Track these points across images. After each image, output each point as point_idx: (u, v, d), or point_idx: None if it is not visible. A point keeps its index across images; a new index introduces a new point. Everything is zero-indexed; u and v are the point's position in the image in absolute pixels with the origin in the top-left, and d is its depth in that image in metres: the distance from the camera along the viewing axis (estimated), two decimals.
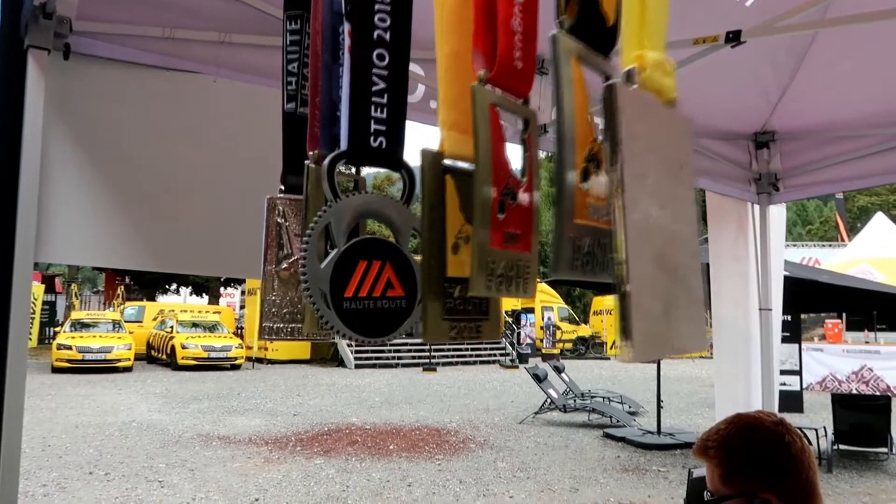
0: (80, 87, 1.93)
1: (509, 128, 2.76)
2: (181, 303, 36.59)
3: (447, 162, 0.83)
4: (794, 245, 26.90)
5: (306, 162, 0.96)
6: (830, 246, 28.10)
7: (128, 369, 20.62)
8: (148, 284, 36.01)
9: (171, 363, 21.86)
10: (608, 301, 32.61)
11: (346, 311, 0.81)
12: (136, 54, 1.99)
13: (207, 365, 21.49)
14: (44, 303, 28.61)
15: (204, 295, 38.44)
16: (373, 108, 0.85)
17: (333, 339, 0.98)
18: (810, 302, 11.36)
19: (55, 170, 1.86)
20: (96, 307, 34.35)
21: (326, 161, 0.86)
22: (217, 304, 35.39)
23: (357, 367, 22.74)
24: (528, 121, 0.88)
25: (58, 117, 1.89)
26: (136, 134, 2.05)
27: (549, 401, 12.31)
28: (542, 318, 29.76)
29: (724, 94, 3.35)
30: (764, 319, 3.87)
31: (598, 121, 0.82)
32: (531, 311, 29.78)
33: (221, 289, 38.28)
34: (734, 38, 2.21)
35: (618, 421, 11.52)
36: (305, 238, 0.80)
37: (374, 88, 0.85)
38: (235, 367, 22.24)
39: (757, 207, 3.94)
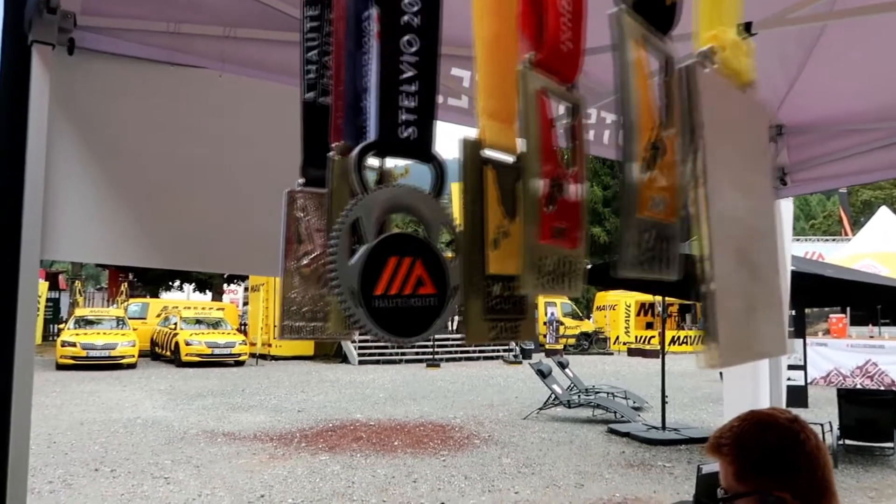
0: (84, 83, 1.91)
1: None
2: (184, 299, 36.66)
3: (486, 153, 0.79)
4: (798, 240, 26.82)
5: (330, 154, 0.92)
6: (834, 240, 28.03)
7: (132, 366, 20.66)
8: (151, 281, 36.06)
9: (175, 360, 21.90)
10: (611, 296, 32.61)
11: (377, 310, 0.78)
12: (141, 49, 1.97)
13: (211, 361, 21.52)
14: (47, 300, 28.66)
15: (207, 291, 38.49)
16: (402, 97, 0.82)
17: (354, 339, 0.95)
18: (815, 296, 11.31)
19: (61, 166, 1.85)
20: (100, 304, 34.41)
21: (355, 152, 0.82)
22: (220, 300, 35.42)
23: (360, 363, 22.76)
24: (575, 107, 0.85)
25: (63, 113, 1.87)
26: (142, 129, 2.03)
27: (553, 396, 12.30)
28: (546, 314, 29.75)
29: None
30: None
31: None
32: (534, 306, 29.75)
33: (225, 285, 38.32)
34: (745, 29, 2.18)
35: (622, 416, 11.51)
36: (334, 233, 0.76)
37: (403, 77, 0.82)
38: (239, 364, 22.27)
39: None
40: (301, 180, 1.18)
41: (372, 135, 0.82)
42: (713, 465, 3.40)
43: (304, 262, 1.13)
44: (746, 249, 0.77)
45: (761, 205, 0.82)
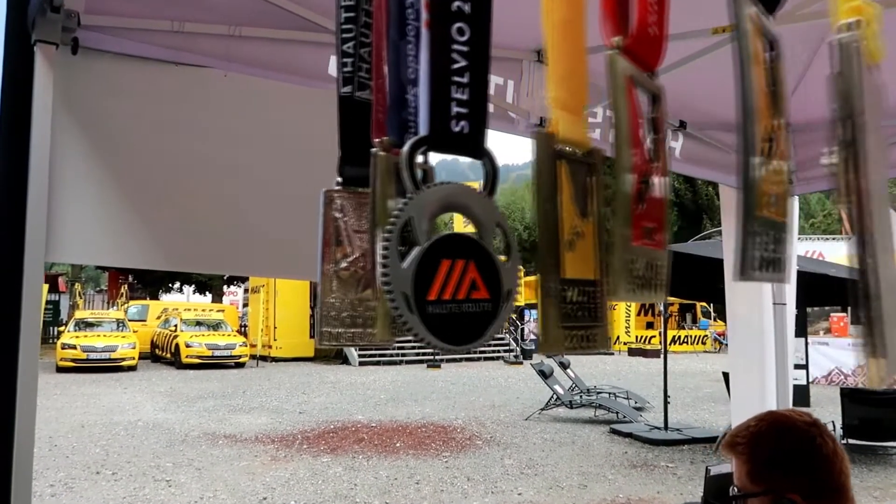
0: (88, 83, 1.89)
1: (522, 120, 2.68)
2: (184, 301, 36.64)
3: (561, 146, 0.75)
4: (798, 239, 26.74)
5: (373, 150, 0.88)
6: (834, 239, 28.01)
7: (132, 368, 20.63)
8: (151, 283, 36.05)
9: (176, 362, 21.87)
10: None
11: (430, 316, 0.74)
12: (146, 48, 1.95)
13: (212, 363, 21.50)
14: (47, 302, 28.63)
15: (207, 293, 38.50)
16: (453, 88, 0.77)
17: (392, 345, 0.91)
18: (816, 295, 11.29)
19: (64, 167, 1.82)
20: (100, 306, 34.39)
21: (406, 147, 0.77)
22: (220, 302, 35.41)
23: (361, 364, 22.74)
24: (657, 97, 0.80)
25: (66, 113, 1.85)
26: (146, 129, 2.00)
27: (555, 397, 12.27)
28: None
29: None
30: (778, 314, 3.83)
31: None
32: (534, 306, 29.62)
33: (225, 287, 38.31)
34: None
35: (624, 417, 11.49)
36: (385, 235, 0.72)
37: (455, 67, 0.77)
38: (240, 366, 22.25)
39: None
40: (338, 179, 1.13)
41: (422, 129, 0.77)
42: (721, 467, 3.38)
43: (343, 265, 1.08)
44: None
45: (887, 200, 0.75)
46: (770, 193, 0.73)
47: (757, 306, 3.87)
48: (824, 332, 20.10)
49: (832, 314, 20.13)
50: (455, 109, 0.78)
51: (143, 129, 2.00)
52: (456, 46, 0.78)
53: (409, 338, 0.78)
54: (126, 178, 1.97)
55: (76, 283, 36.07)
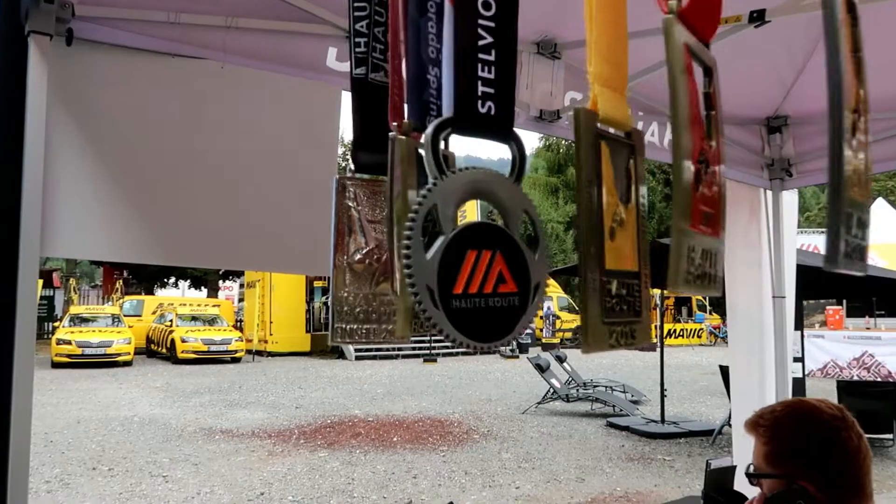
0: (83, 74, 1.85)
1: (522, 113, 2.63)
2: (180, 296, 36.53)
3: (602, 126, 0.71)
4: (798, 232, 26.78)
5: (391, 134, 0.83)
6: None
7: (128, 363, 20.58)
8: (146, 278, 35.94)
9: (171, 357, 21.82)
10: None
11: (456, 312, 0.68)
12: (141, 40, 1.91)
13: (207, 358, 21.46)
14: (42, 298, 28.51)
15: (202, 288, 38.38)
16: (480, 66, 0.71)
17: (405, 342, 0.87)
18: (812, 288, 11.30)
19: (59, 161, 1.79)
20: (95, 302, 34.25)
21: (430, 129, 0.71)
22: (216, 297, 35.31)
23: (357, 358, 22.71)
24: (710, 69, 0.74)
25: (61, 106, 1.82)
26: (142, 122, 1.97)
27: (551, 390, 12.28)
28: (542, 308, 29.70)
29: (739, 77, 3.28)
30: (777, 307, 3.82)
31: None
32: None
33: (220, 282, 38.21)
34: (758, 17, 2.14)
35: (621, 410, 11.50)
36: (408, 224, 0.66)
37: (482, 44, 0.71)
38: (236, 360, 22.21)
39: (770, 193, 3.87)
40: (351, 166, 1.09)
41: (446, 110, 0.72)
42: (722, 461, 3.36)
43: (357, 257, 1.03)
44: None
45: None
46: (857, 173, 0.69)
47: (757, 299, 3.86)
48: (820, 325, 20.15)
49: (828, 307, 20.18)
50: (481, 89, 0.73)
51: (139, 122, 1.97)
52: (482, 22, 0.73)
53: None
54: (122, 172, 1.94)
55: (71, 279, 35.92)
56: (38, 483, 7.31)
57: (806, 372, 14.14)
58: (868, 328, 19.19)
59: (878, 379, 15.30)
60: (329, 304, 1.02)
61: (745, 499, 2.14)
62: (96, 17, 1.86)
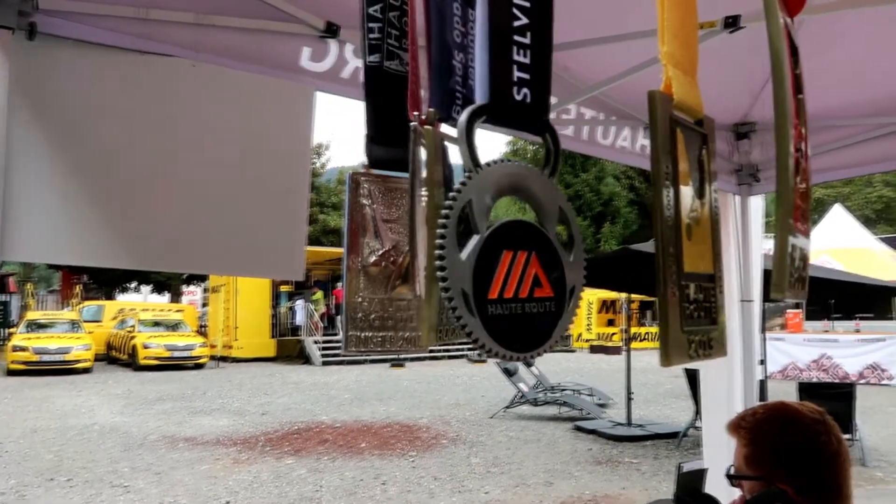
0: (46, 71, 1.77)
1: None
2: (142, 301, 35.80)
3: (678, 114, 0.66)
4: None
5: (413, 125, 0.76)
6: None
7: (87, 370, 20.07)
8: (107, 282, 35.16)
9: (133, 363, 21.33)
10: None
11: (492, 318, 0.60)
12: (109, 36, 1.83)
13: (170, 364, 21.03)
14: None
15: (165, 293, 37.69)
16: (515, 49, 0.65)
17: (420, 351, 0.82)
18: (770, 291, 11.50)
19: (21, 160, 1.71)
20: (52, 307, 33.35)
21: (464, 117, 0.63)
22: (179, 301, 34.68)
23: (324, 363, 22.50)
24: (797, 50, 0.70)
25: (22, 103, 1.74)
26: (109, 121, 1.89)
27: (519, 394, 12.30)
28: None
29: (710, 83, 3.31)
30: (745, 311, 3.87)
31: None
32: None
33: (183, 286, 37.55)
34: (733, 23, 2.16)
35: (588, 413, 11.58)
36: (442, 221, 0.58)
37: (517, 25, 0.64)
38: (199, 367, 21.81)
39: (738, 198, 3.93)
40: (365, 161, 1.00)
41: (479, 97, 0.65)
42: (693, 464, 3.38)
43: (372, 259, 0.96)
44: None
45: None
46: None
47: (726, 303, 3.90)
48: (780, 327, 20.58)
49: (787, 310, 20.62)
50: (516, 74, 0.66)
51: (106, 121, 1.90)
52: (517, 1, 0.67)
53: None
54: (85, 172, 1.87)
55: (27, 283, 34.94)
56: None
57: (767, 374, 14.42)
58: (826, 331, 19.66)
59: (836, 380, 15.68)
60: (343, 310, 0.93)
61: (717, 502, 2.15)
62: (61, 11, 1.78)
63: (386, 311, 0.97)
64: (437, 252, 0.60)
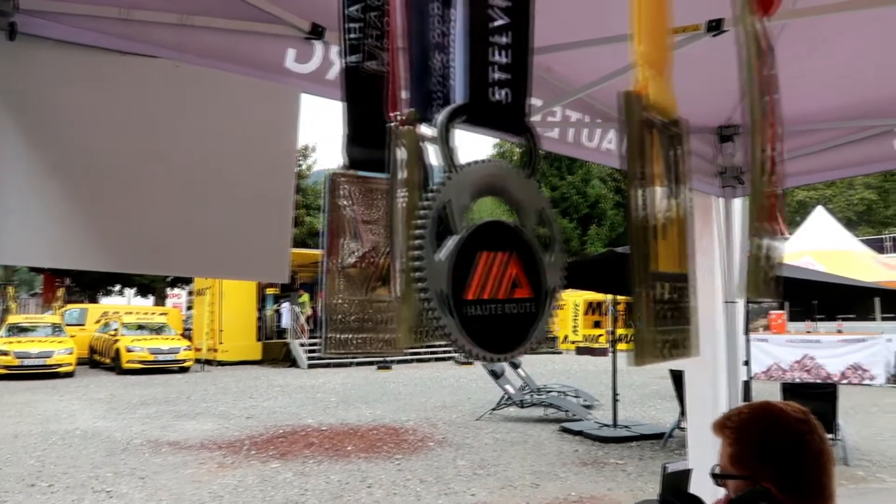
0: (28, 72, 1.75)
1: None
2: (125, 304, 35.48)
3: (651, 114, 0.66)
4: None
5: (392, 125, 0.75)
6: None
7: (69, 374, 19.85)
8: (90, 285, 34.82)
9: (116, 367, 21.13)
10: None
11: (469, 319, 0.61)
12: (91, 36, 1.82)
13: (154, 368, 20.86)
14: None
15: (149, 296, 37.38)
16: (493, 50, 0.64)
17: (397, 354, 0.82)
18: None
19: (3, 164, 1.69)
20: (34, 311, 32.97)
21: (443, 117, 0.63)
22: (163, 305, 34.41)
23: (310, 366, 22.40)
24: (772, 49, 0.71)
25: (3, 104, 1.72)
26: (91, 123, 1.87)
27: (506, 396, 12.32)
28: None
29: (694, 86, 3.33)
30: (729, 312, 3.90)
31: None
32: None
33: (168, 289, 37.26)
34: (716, 26, 2.18)
35: (574, 415, 11.61)
36: (419, 222, 0.58)
37: (494, 25, 0.64)
38: (184, 370, 21.65)
39: (721, 201, 3.96)
40: (345, 162, 0.99)
41: (459, 97, 0.65)
42: (678, 464, 3.40)
43: (351, 260, 0.95)
44: None
45: None
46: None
47: (710, 305, 3.93)
48: (763, 328, 20.75)
49: (770, 311, 20.81)
50: (496, 75, 0.66)
51: (87, 122, 1.88)
52: (495, 1, 0.67)
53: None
54: (68, 174, 1.85)
55: (8, 287, 34.52)
56: None
57: (751, 374, 14.55)
58: (809, 331, 19.86)
59: (819, 381, 15.83)
60: (321, 312, 0.91)
61: (702, 502, 2.16)
62: (42, 12, 1.76)
63: (365, 312, 0.97)
64: (414, 252, 0.60)
